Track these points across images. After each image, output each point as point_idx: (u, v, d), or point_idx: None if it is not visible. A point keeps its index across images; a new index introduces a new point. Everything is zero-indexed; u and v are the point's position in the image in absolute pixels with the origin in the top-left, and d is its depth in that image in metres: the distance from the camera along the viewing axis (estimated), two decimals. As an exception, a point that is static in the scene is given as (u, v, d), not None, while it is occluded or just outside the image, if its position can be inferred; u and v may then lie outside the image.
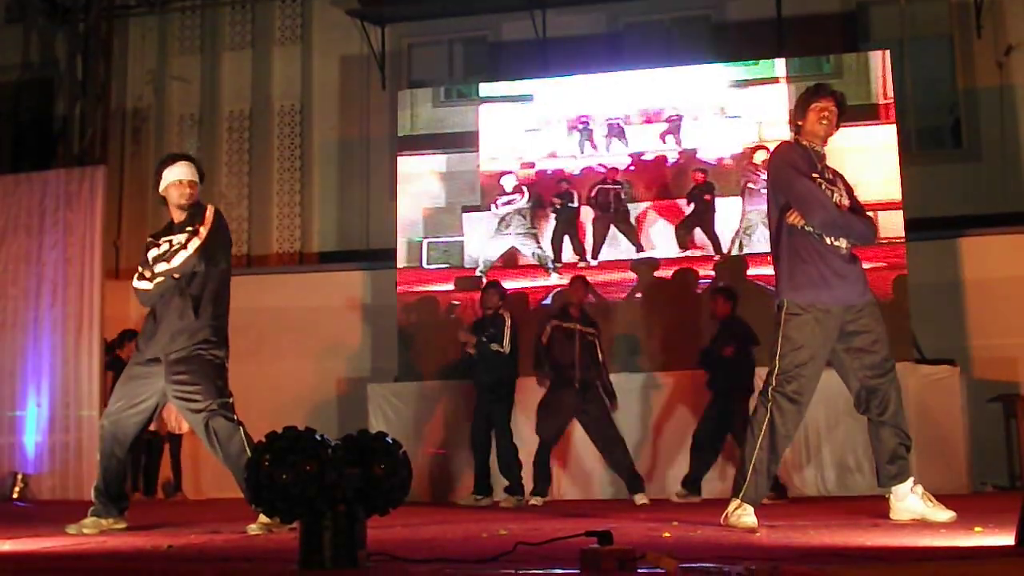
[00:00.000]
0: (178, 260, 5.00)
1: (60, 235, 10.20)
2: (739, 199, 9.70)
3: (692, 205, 9.85)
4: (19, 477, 9.76)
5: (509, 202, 10.20)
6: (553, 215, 10.06)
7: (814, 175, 4.57)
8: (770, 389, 4.49)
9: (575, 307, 8.10)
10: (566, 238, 10.02)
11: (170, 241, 5.11)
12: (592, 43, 11.41)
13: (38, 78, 12.65)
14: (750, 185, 9.68)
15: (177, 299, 5.02)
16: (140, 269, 5.15)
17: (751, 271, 9.47)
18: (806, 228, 4.55)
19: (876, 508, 4.97)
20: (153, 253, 5.13)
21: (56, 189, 10.33)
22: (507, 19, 11.69)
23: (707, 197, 9.82)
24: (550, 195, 10.12)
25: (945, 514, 4.48)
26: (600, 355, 7.93)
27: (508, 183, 10.22)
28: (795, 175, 4.55)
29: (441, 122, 10.35)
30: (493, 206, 10.17)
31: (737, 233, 9.63)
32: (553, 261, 9.98)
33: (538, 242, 10.05)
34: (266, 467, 2.92)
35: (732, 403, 7.82)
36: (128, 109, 12.56)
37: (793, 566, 2.72)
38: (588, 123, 10.18)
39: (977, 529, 3.92)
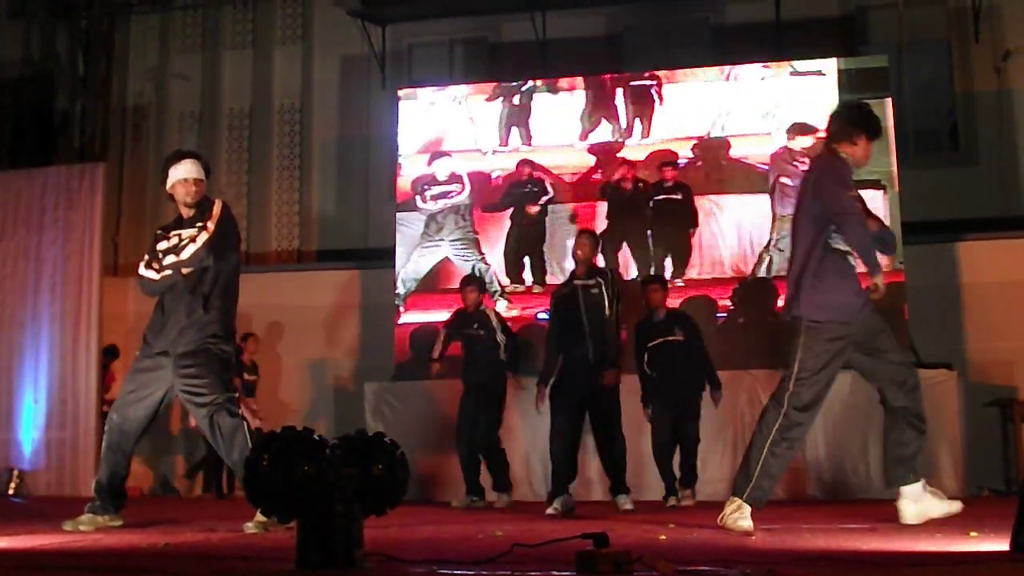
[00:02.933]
0: (187, 253, 5.05)
1: (59, 231, 10.20)
2: (767, 197, 7.42)
3: (652, 209, 8.00)
4: (15, 473, 9.76)
5: (443, 195, 8.22)
6: (509, 219, 7.93)
7: (852, 194, 4.74)
8: (785, 395, 4.60)
9: (581, 265, 6.76)
10: (527, 258, 7.90)
11: (179, 235, 5.16)
12: (592, 45, 11.43)
13: (39, 74, 12.66)
14: (783, 180, 7.24)
15: (187, 296, 5.06)
16: (147, 258, 5.20)
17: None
18: (836, 245, 4.68)
19: (872, 512, 4.98)
20: (162, 245, 5.18)
21: (56, 185, 10.33)
22: (507, 20, 11.72)
23: (671, 198, 7.62)
24: (506, 189, 8.07)
25: (953, 505, 4.66)
26: (608, 313, 6.51)
27: (441, 169, 8.25)
28: (844, 192, 4.70)
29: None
30: (419, 199, 8.26)
31: (768, 246, 7.36)
32: (508, 286, 7.64)
33: (480, 252, 8.15)
34: (264, 466, 2.93)
35: (682, 403, 7.31)
36: (129, 106, 12.58)
37: (788, 570, 2.73)
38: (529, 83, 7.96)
39: (972, 534, 3.93)
